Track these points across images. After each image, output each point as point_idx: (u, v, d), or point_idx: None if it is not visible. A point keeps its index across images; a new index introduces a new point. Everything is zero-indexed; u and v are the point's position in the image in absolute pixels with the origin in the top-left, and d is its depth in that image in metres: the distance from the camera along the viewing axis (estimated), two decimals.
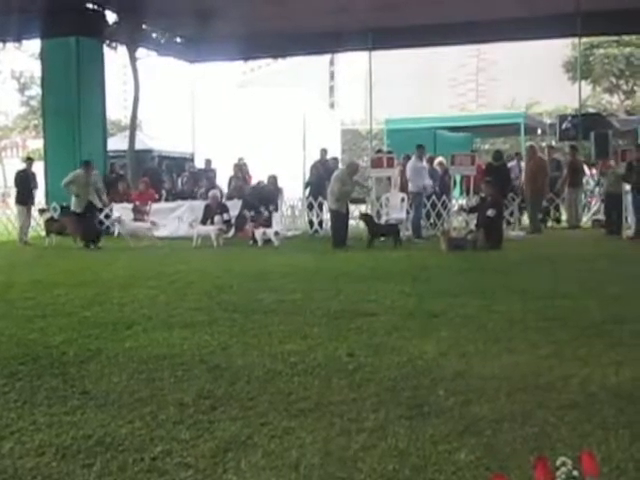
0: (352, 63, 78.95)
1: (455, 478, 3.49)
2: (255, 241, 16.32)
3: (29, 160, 19.40)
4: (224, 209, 17.76)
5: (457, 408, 4.48)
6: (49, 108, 21.80)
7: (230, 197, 19.81)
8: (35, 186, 18.77)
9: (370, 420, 4.28)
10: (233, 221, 18.21)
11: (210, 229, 16.53)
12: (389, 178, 18.99)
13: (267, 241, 16.17)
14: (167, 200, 20.34)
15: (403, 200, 18.01)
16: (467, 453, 3.76)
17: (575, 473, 2.06)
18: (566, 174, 20.14)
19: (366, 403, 4.60)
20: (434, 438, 3.98)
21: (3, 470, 3.67)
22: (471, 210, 16.46)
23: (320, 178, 18.93)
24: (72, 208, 16.87)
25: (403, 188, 18.53)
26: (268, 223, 17.24)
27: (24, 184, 18.36)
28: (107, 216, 20.11)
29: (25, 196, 18.31)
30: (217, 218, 16.97)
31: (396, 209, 18.01)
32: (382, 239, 15.95)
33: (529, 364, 5.43)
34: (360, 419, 4.30)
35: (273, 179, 18.76)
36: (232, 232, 18.13)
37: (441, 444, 3.90)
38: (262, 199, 17.61)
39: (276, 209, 18.19)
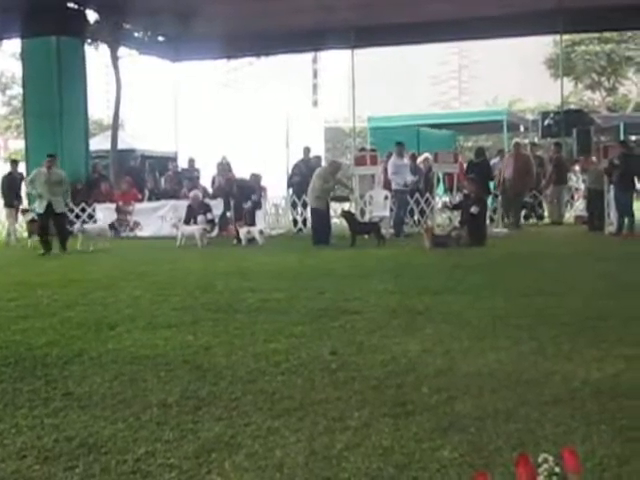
0: (335, 61, 78.96)
1: (439, 475, 3.49)
2: (239, 240, 16.29)
3: (14, 162, 19.33)
4: (207, 209, 17.72)
5: (441, 405, 4.48)
6: (30, 108, 21.68)
7: (214, 196, 19.76)
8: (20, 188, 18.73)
9: (354, 418, 4.28)
10: (217, 220, 18.17)
11: (194, 229, 16.50)
12: (373, 176, 19.01)
13: (251, 240, 16.14)
14: (150, 200, 20.25)
15: (387, 198, 18.04)
16: (451, 450, 3.77)
17: (557, 470, 2.07)
18: (551, 171, 20.22)
19: (350, 401, 4.59)
20: (418, 436, 3.98)
21: None
22: (454, 207, 16.51)
23: (303, 176, 18.93)
24: (36, 210, 15.86)
25: (386, 186, 18.56)
26: (252, 217, 17.17)
27: (10, 187, 18.35)
28: (90, 216, 20.04)
29: (11, 198, 18.31)
30: (200, 218, 16.93)
31: (379, 207, 18.03)
32: (365, 237, 15.97)
33: (512, 361, 5.45)
34: (344, 417, 4.29)
35: (256, 177, 18.73)
36: (216, 231, 18.09)
37: (425, 442, 3.90)
38: (243, 193, 17.55)
39: (259, 206, 18.14)
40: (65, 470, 3.66)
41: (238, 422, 4.27)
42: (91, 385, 5.10)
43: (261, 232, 16.45)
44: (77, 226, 15.82)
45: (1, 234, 20.23)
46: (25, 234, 18.49)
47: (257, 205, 17.74)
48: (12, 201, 18.35)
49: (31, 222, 17.70)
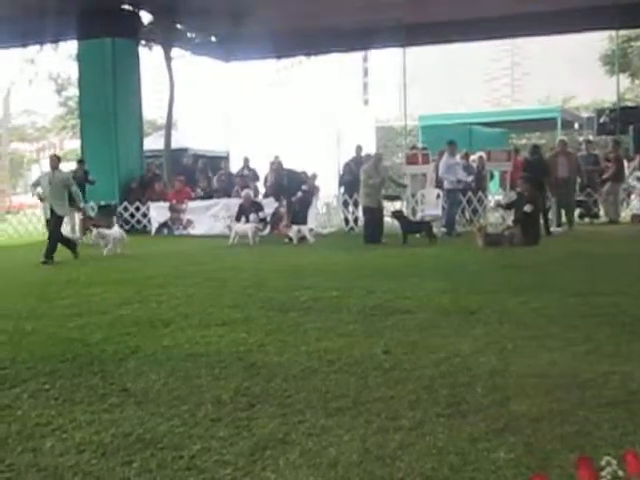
0: (385, 59, 78.69)
1: (495, 477, 3.46)
2: (290, 239, 16.35)
3: (80, 162, 19.60)
4: (258, 207, 17.82)
5: (495, 406, 4.44)
6: (86, 109, 22.04)
7: (266, 195, 19.87)
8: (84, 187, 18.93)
9: (408, 418, 4.26)
10: (269, 219, 18.28)
11: (247, 227, 16.60)
12: (424, 174, 18.89)
13: (302, 239, 16.19)
14: (202, 198, 20.44)
15: (439, 196, 17.92)
16: (506, 452, 3.73)
17: (620, 473, 2.03)
18: (613, 168, 19.71)
19: (403, 401, 4.58)
20: (472, 436, 3.95)
21: (44, 467, 3.72)
22: (508, 206, 16.31)
23: (354, 175, 18.89)
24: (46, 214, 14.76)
25: (438, 184, 18.44)
26: (304, 215, 17.20)
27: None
28: (144, 214, 20.33)
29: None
30: (252, 217, 17.03)
31: (432, 205, 17.93)
32: (417, 236, 15.89)
33: (568, 361, 5.37)
34: (397, 417, 4.29)
35: (310, 177, 18.83)
36: (268, 230, 18.19)
37: (480, 442, 3.87)
38: (293, 184, 17.59)
39: (310, 198, 18.17)
40: (122, 465, 3.72)
41: (292, 420, 4.29)
42: (147, 381, 5.17)
43: (311, 230, 16.48)
44: (95, 232, 15.00)
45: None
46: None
47: (308, 196, 17.71)
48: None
49: (84, 219, 18.01)
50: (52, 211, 13.89)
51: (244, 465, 3.67)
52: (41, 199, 14.47)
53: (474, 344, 5.97)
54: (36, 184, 14.55)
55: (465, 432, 4.02)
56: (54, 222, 13.95)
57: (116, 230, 15.47)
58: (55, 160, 14.26)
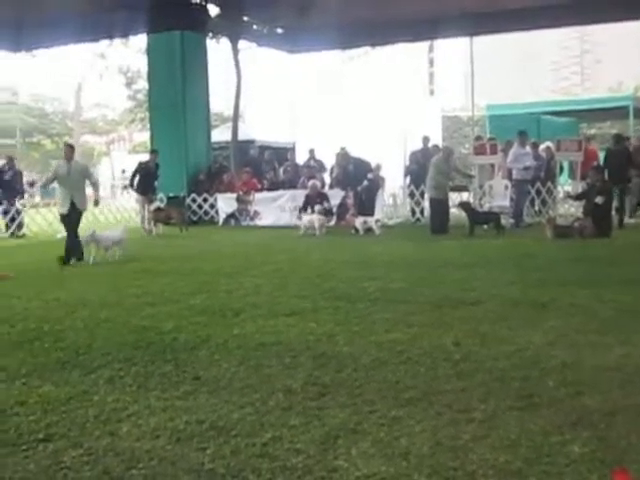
0: (451, 49, 77.90)
1: (569, 471, 3.42)
2: (356, 230, 16.35)
3: (153, 153, 19.81)
4: (324, 198, 17.85)
5: (568, 399, 4.39)
6: (155, 101, 22.37)
7: (331, 186, 19.90)
8: (156, 177, 19.27)
9: (479, 410, 4.24)
10: (335, 210, 18.31)
11: (314, 218, 16.65)
12: (492, 165, 18.66)
13: (368, 230, 16.17)
14: (269, 190, 20.58)
15: (507, 187, 17.68)
16: (580, 446, 3.69)
17: None
18: None
19: (474, 393, 4.56)
20: (545, 429, 3.91)
21: (121, 451, 3.82)
22: (578, 197, 16.00)
23: (421, 166, 18.78)
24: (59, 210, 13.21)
25: (507, 175, 18.17)
26: (371, 206, 17.16)
27: (144, 175, 18.93)
28: (212, 205, 20.59)
29: (145, 186, 18.86)
30: (317, 207, 17.08)
31: (499, 196, 17.70)
32: (485, 227, 15.73)
33: None
34: (469, 409, 4.27)
35: (375, 168, 18.77)
36: (334, 221, 18.22)
37: (553, 436, 3.83)
38: (359, 171, 17.53)
39: (377, 187, 18.14)
40: (197, 451, 3.80)
41: (363, 409, 4.31)
42: (218, 370, 5.25)
43: (377, 221, 16.46)
44: (87, 234, 12.21)
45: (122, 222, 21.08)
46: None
47: (374, 185, 17.64)
48: (145, 189, 18.90)
49: (156, 211, 18.31)
50: (72, 205, 12.49)
51: (316, 453, 3.71)
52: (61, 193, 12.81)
53: (545, 337, 5.89)
54: (50, 180, 13.37)
55: (538, 425, 3.98)
56: (76, 218, 12.57)
57: (115, 232, 13.23)
58: (70, 150, 13.03)
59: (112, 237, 12.68)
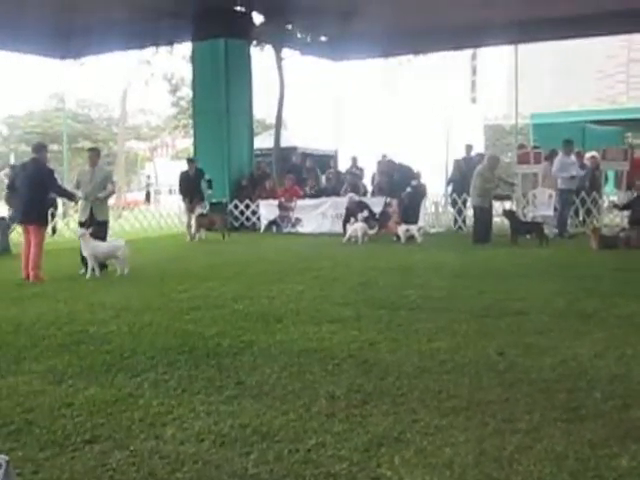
0: (494, 57, 77.40)
1: None
2: (398, 237, 16.31)
3: (191, 162, 19.84)
4: (364, 206, 17.83)
5: (616, 412, 4.32)
6: (199, 108, 22.57)
7: (374, 193, 19.89)
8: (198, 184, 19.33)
9: (524, 421, 4.20)
10: (377, 217, 18.29)
11: (357, 227, 16.66)
12: (535, 174, 18.48)
13: (410, 237, 16.13)
14: (311, 197, 20.63)
15: (550, 197, 17.49)
16: (629, 459, 3.63)
17: None
18: None
19: (519, 404, 4.51)
20: (592, 442, 3.86)
21: (166, 455, 3.85)
22: (624, 207, 15.77)
23: (463, 174, 18.68)
24: (106, 217, 12.53)
25: (549, 184, 17.99)
26: (415, 213, 17.09)
27: (186, 183, 19.07)
28: (254, 212, 20.71)
29: (187, 194, 18.97)
30: (360, 216, 17.07)
31: (543, 206, 17.52)
32: (528, 237, 15.58)
33: None
34: (513, 420, 4.23)
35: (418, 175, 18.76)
36: (376, 229, 18.20)
37: (600, 449, 3.78)
38: (403, 178, 17.50)
39: (420, 194, 18.08)
40: (240, 456, 3.81)
41: (406, 418, 4.29)
42: (261, 375, 5.27)
43: (420, 229, 16.40)
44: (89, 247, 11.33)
45: (164, 229, 21.34)
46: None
47: (417, 192, 17.56)
48: (188, 197, 19.02)
49: (200, 217, 18.45)
50: (91, 214, 12.01)
51: (359, 461, 3.70)
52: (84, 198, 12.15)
53: (592, 348, 5.82)
54: (74, 188, 12.49)
55: (584, 437, 3.93)
56: (96, 230, 11.67)
57: (113, 244, 11.89)
58: (94, 155, 12.50)
59: (109, 249, 11.61)
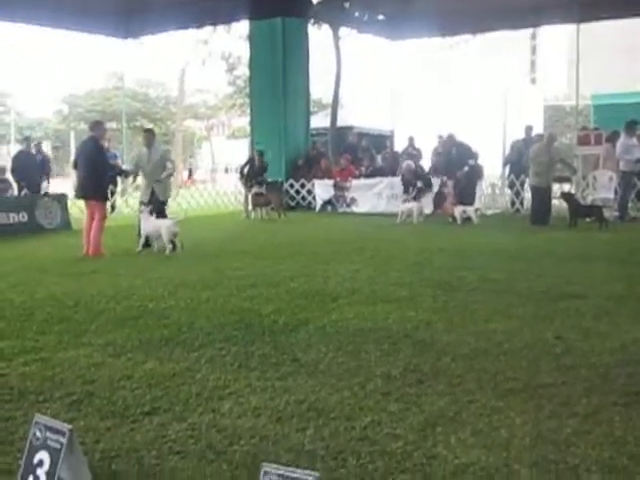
0: (554, 36, 75.84)
1: None
2: (454, 218, 16.18)
3: (260, 155, 19.82)
4: (420, 176, 17.71)
5: None
6: (256, 87, 22.62)
7: (429, 173, 19.74)
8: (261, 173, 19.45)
9: (582, 405, 4.15)
10: (432, 198, 18.17)
11: (412, 205, 16.59)
12: (597, 156, 18.11)
13: (467, 219, 15.99)
14: (366, 177, 20.57)
15: (611, 179, 17.13)
16: None
17: None
18: None
19: (577, 387, 4.46)
20: None
21: (223, 428, 3.91)
22: None
23: (522, 155, 18.40)
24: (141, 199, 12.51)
25: (611, 166, 17.62)
26: (470, 194, 16.92)
27: (250, 168, 19.22)
28: (309, 191, 20.74)
29: (249, 177, 19.12)
30: (412, 190, 17.03)
31: (603, 188, 17.17)
32: (587, 220, 15.30)
33: None
34: (571, 403, 4.18)
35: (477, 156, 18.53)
36: (431, 208, 18.10)
37: None
38: (461, 156, 17.34)
39: (478, 175, 17.90)
40: (297, 431, 3.85)
41: (462, 399, 4.28)
42: (317, 353, 5.30)
43: (477, 210, 16.24)
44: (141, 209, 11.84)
45: (222, 207, 21.52)
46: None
47: (474, 172, 17.38)
48: (249, 180, 19.18)
49: (256, 195, 18.56)
50: (152, 194, 12.15)
51: (415, 440, 3.70)
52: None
53: None
54: (134, 171, 13.10)
55: None
56: (158, 208, 12.02)
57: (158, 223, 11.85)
58: (149, 136, 12.55)
59: (159, 228, 11.63)
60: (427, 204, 17.98)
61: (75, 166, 12.12)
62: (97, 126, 12.21)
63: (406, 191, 17.37)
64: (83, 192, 11.99)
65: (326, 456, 3.54)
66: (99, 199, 11.89)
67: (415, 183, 17.55)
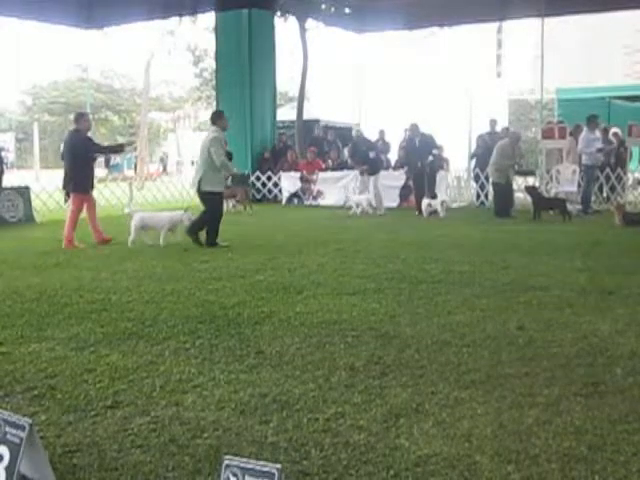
0: (520, 31, 76.40)
1: (636, 459, 3.37)
2: (420, 211, 16.25)
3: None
4: (371, 147, 17.80)
5: (636, 388, 4.31)
6: (222, 79, 22.47)
7: (395, 167, 19.82)
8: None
9: (543, 395, 4.20)
10: (399, 192, 18.24)
11: (362, 198, 16.68)
12: (560, 149, 18.31)
13: (433, 212, 16.07)
14: (333, 170, 20.57)
15: (574, 172, 17.33)
16: None
17: None
18: None
19: (538, 378, 4.51)
20: (612, 417, 3.86)
21: (187, 421, 3.90)
22: None
23: (487, 149, 18.52)
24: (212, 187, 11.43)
25: (572, 160, 17.82)
26: (431, 185, 17.01)
27: None
28: (276, 184, 20.70)
29: None
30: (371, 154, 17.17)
31: (567, 182, 17.36)
32: (551, 212, 15.47)
33: None
34: (533, 394, 4.23)
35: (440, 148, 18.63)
36: (397, 202, 18.16)
37: (619, 424, 3.77)
38: (425, 147, 17.42)
39: (440, 165, 18.02)
40: (260, 424, 3.85)
41: (425, 390, 4.31)
42: (281, 345, 5.31)
43: (443, 202, 16.32)
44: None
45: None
46: None
47: (437, 163, 17.44)
48: None
49: (225, 188, 18.45)
50: (199, 184, 11.47)
51: (378, 431, 3.72)
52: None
53: (613, 325, 5.80)
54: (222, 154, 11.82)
55: (604, 413, 3.93)
56: (202, 199, 11.55)
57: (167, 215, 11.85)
58: (221, 116, 12.14)
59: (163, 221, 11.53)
60: (390, 197, 18.07)
61: (63, 159, 12.25)
62: (81, 118, 12.19)
63: (353, 157, 17.46)
64: (66, 184, 12.09)
65: (289, 448, 3.54)
66: (78, 191, 11.85)
67: (367, 154, 17.53)
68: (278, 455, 3.46)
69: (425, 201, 16.29)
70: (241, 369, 4.78)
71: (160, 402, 4.19)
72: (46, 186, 18.74)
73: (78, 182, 11.86)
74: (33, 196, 16.79)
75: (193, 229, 11.36)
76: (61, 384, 4.52)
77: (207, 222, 11.40)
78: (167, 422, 3.89)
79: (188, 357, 5.08)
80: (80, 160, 11.77)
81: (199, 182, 11.39)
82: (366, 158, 17.38)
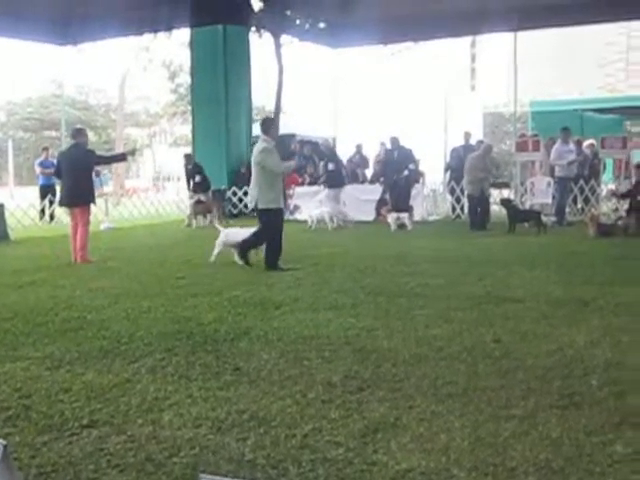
0: (494, 44, 77.10)
1: (612, 471, 3.39)
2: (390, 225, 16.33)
3: (187, 156, 20.05)
4: (332, 159, 17.86)
5: (612, 399, 4.34)
6: (198, 95, 22.51)
7: (372, 181, 19.89)
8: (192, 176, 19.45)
9: (520, 407, 4.22)
10: (375, 205, 18.29)
11: (323, 211, 16.76)
12: (534, 162, 18.49)
13: (401, 226, 16.15)
14: (310, 184, 20.59)
15: (549, 185, 17.49)
16: (624, 446, 3.65)
17: None
18: None
19: (515, 390, 4.53)
20: (588, 429, 3.88)
21: (164, 440, 3.87)
22: (623, 195, 15.77)
23: (462, 162, 18.66)
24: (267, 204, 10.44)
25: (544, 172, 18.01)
26: (405, 199, 17.08)
27: (187, 174, 19.31)
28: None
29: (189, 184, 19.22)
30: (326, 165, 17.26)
31: (541, 194, 17.52)
32: (526, 225, 15.59)
33: None
34: (509, 406, 4.25)
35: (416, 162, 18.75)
36: (373, 216, 18.21)
37: (595, 435, 3.80)
38: (402, 160, 17.49)
39: (416, 179, 18.12)
40: (238, 441, 3.83)
41: (402, 404, 4.31)
42: (258, 361, 5.29)
43: (410, 216, 16.39)
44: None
45: (163, 216, 21.31)
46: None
47: (413, 177, 17.52)
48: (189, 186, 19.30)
49: (196, 204, 18.46)
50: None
51: (355, 446, 3.72)
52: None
53: (588, 336, 5.84)
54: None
55: (580, 424, 3.95)
56: (258, 216, 10.72)
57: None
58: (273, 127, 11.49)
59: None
60: (366, 210, 18.14)
61: (59, 175, 12.18)
62: (80, 133, 12.26)
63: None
64: (71, 200, 11.94)
65: (267, 465, 3.53)
66: (86, 205, 11.77)
67: (327, 163, 17.58)
68: (256, 472, 3.44)
69: (393, 215, 16.36)
70: (218, 386, 4.75)
71: (137, 421, 4.16)
72: (20, 203, 18.61)
73: (85, 195, 11.81)
74: (7, 214, 16.65)
75: (244, 249, 10.60)
76: (36, 404, 4.48)
77: (261, 242, 10.57)
78: (144, 441, 3.86)
79: (165, 375, 5.05)
80: (84, 173, 11.84)
81: (257, 200, 10.59)
82: (323, 168, 17.45)
